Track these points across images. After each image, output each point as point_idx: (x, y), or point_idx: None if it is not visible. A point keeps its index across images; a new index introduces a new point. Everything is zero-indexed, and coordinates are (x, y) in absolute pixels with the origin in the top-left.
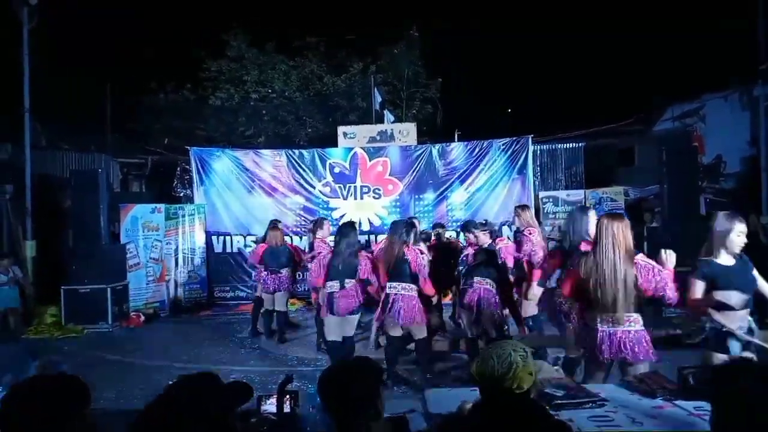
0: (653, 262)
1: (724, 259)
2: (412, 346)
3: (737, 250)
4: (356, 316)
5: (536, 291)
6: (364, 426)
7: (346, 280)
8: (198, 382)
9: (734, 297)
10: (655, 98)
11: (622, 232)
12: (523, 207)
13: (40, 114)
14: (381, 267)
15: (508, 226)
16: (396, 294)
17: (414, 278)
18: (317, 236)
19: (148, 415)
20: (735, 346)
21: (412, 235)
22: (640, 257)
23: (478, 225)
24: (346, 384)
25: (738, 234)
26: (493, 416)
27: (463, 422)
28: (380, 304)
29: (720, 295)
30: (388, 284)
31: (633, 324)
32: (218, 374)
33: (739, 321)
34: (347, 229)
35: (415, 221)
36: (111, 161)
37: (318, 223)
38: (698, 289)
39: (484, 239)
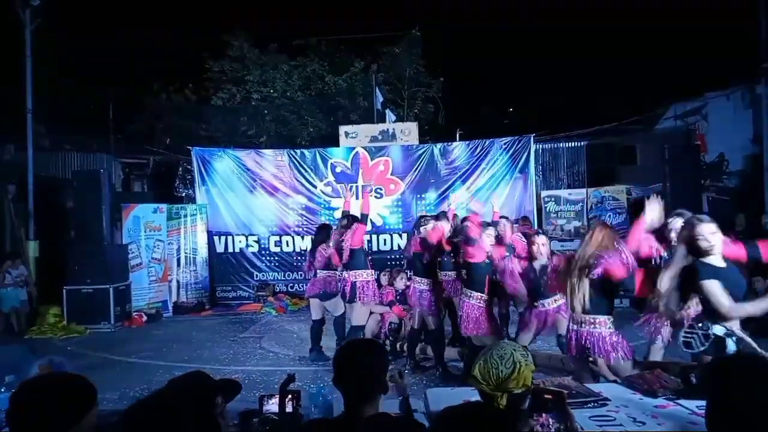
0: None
1: None
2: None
3: None
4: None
5: None
6: (373, 397)
7: (318, 271)
8: (183, 379)
9: None
10: (657, 96)
11: (602, 238)
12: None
13: (43, 115)
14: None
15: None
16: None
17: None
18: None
19: (131, 414)
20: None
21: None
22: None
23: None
24: (358, 357)
25: None
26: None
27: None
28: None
29: None
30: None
31: (598, 326)
32: (209, 373)
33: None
34: (320, 232)
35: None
36: (113, 161)
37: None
38: None
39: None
